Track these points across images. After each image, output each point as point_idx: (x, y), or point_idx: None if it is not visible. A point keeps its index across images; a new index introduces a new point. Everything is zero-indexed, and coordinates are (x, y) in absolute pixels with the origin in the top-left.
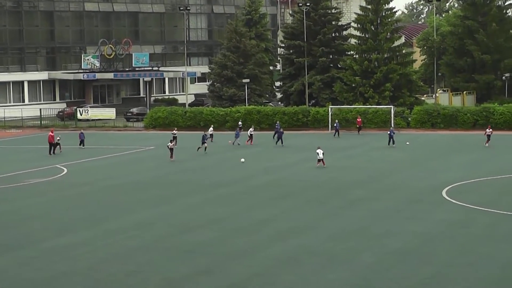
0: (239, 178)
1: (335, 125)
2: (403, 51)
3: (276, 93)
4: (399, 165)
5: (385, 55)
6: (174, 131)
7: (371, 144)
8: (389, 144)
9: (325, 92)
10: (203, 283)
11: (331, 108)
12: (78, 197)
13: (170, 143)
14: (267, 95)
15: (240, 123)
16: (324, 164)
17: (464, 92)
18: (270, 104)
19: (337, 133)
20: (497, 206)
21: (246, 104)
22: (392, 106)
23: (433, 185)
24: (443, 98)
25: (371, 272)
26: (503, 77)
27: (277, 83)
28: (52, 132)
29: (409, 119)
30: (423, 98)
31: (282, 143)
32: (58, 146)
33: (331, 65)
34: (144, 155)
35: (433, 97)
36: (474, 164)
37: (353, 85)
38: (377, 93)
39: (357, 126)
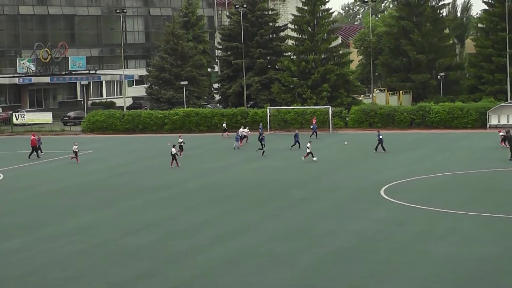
0: (180, 180)
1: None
2: (340, 52)
3: (215, 95)
4: (338, 165)
5: (322, 56)
6: (180, 139)
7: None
8: (376, 149)
9: (263, 94)
10: (145, 286)
11: (270, 109)
12: (16, 202)
13: (173, 149)
14: (205, 97)
15: (224, 124)
16: (313, 157)
17: (401, 92)
18: (209, 106)
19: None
20: (434, 204)
21: (185, 106)
22: (330, 107)
23: (371, 184)
24: (380, 98)
25: (312, 272)
26: (438, 76)
27: (215, 85)
28: (34, 136)
29: (347, 119)
30: (360, 98)
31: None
32: (39, 150)
33: (269, 66)
34: (83, 159)
35: (370, 97)
36: (411, 162)
37: (291, 86)
38: (314, 94)
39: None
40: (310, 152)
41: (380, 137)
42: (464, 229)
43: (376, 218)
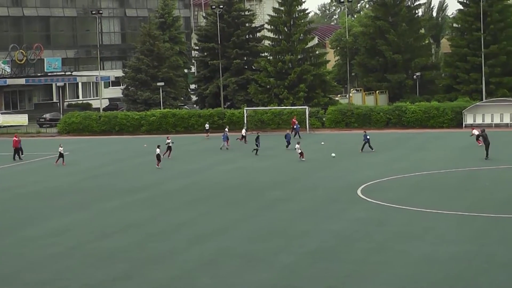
0: (157, 182)
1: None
2: (317, 52)
3: (191, 95)
4: (315, 165)
5: (299, 56)
6: (168, 140)
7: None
8: (362, 150)
9: (240, 94)
10: None
11: (246, 110)
12: None
13: (158, 149)
14: (182, 98)
15: (207, 125)
16: (303, 157)
17: (377, 92)
18: (186, 107)
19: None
20: (410, 204)
21: (161, 107)
22: (306, 107)
23: (348, 184)
24: (356, 98)
25: (289, 272)
26: (414, 76)
27: (192, 86)
28: (16, 137)
29: (324, 119)
30: (337, 98)
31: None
32: (21, 152)
33: (246, 67)
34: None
35: (347, 97)
36: (387, 162)
37: (268, 86)
38: (291, 94)
39: (292, 126)
40: (302, 152)
41: (368, 137)
42: (440, 228)
43: (353, 218)
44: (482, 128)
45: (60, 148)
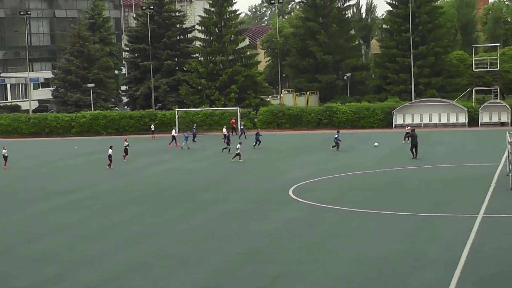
0: (88, 184)
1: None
2: (248, 53)
3: (122, 97)
4: (247, 166)
5: (230, 57)
6: (126, 143)
7: (219, 146)
8: (338, 148)
9: (171, 95)
10: None
11: (178, 111)
12: None
13: (110, 150)
14: (113, 100)
15: (173, 129)
16: (239, 159)
17: (308, 92)
18: (116, 108)
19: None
20: (341, 204)
21: (92, 109)
22: (238, 108)
23: (280, 184)
24: (287, 99)
25: (221, 273)
26: (345, 77)
27: (123, 87)
28: None
29: (255, 120)
30: (268, 99)
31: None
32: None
33: (177, 68)
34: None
35: (278, 97)
36: (319, 162)
37: (199, 87)
38: (223, 95)
39: (232, 127)
40: (239, 154)
41: (336, 136)
42: (371, 228)
43: (284, 219)
44: (413, 127)
45: (3, 150)
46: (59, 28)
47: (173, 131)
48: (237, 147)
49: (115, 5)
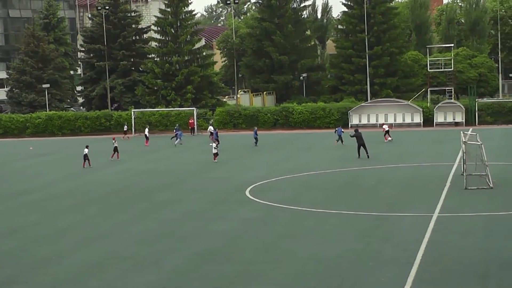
0: (42, 185)
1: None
2: (204, 54)
3: (78, 97)
4: (203, 166)
5: (186, 58)
6: (114, 141)
7: (175, 147)
8: (342, 142)
9: (127, 96)
10: None
11: (134, 111)
12: None
13: (86, 149)
14: (68, 100)
15: (125, 126)
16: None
17: (264, 93)
18: (72, 109)
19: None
20: (297, 203)
21: (47, 109)
22: (194, 108)
23: (236, 185)
24: (244, 99)
25: (177, 274)
26: (301, 77)
27: (79, 88)
28: None
29: (212, 120)
30: (224, 100)
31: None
32: None
33: (133, 68)
34: None
35: (235, 98)
36: (275, 163)
37: (155, 88)
38: (179, 96)
39: (191, 127)
40: (217, 153)
41: (342, 131)
42: (326, 227)
43: (241, 219)
44: (356, 128)
45: None
46: (13, 28)
47: (146, 130)
48: (214, 146)
49: (70, 5)
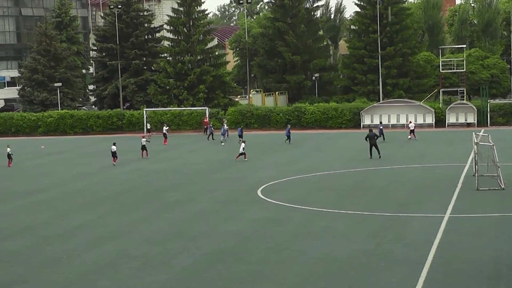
0: (53, 184)
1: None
2: (216, 53)
3: (90, 96)
4: (214, 166)
5: (198, 57)
6: (143, 139)
7: (186, 146)
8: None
9: (139, 95)
10: None
11: (146, 110)
12: None
13: (113, 146)
14: (80, 99)
15: (148, 125)
16: (245, 158)
17: (276, 93)
18: (84, 108)
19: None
20: (309, 204)
21: (59, 108)
22: (206, 108)
23: (248, 185)
24: (256, 99)
25: (188, 274)
26: (313, 77)
27: (91, 87)
28: None
29: (225, 120)
30: (237, 99)
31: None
32: None
33: (145, 67)
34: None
35: (247, 98)
36: (287, 163)
37: (167, 87)
38: (191, 95)
39: (205, 127)
40: (243, 153)
41: (381, 127)
42: (337, 228)
43: (252, 219)
44: (370, 128)
45: (8, 149)
46: (25, 26)
47: (164, 128)
48: (242, 147)
49: (83, 4)
